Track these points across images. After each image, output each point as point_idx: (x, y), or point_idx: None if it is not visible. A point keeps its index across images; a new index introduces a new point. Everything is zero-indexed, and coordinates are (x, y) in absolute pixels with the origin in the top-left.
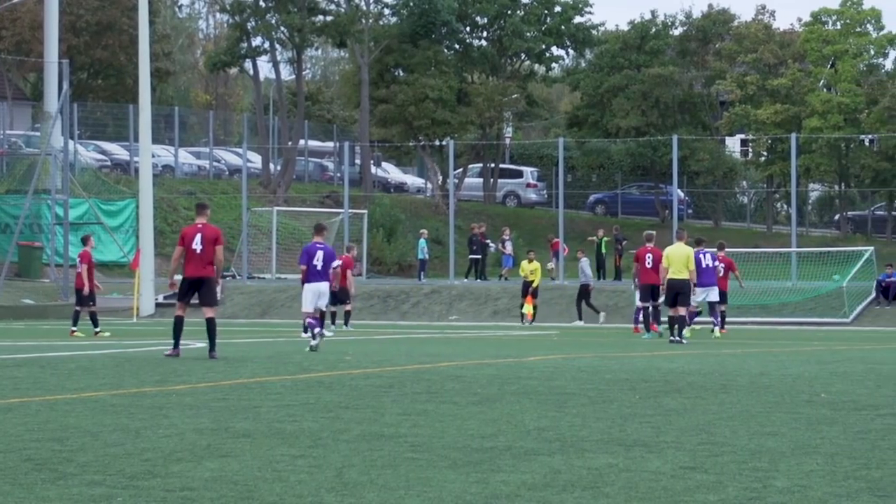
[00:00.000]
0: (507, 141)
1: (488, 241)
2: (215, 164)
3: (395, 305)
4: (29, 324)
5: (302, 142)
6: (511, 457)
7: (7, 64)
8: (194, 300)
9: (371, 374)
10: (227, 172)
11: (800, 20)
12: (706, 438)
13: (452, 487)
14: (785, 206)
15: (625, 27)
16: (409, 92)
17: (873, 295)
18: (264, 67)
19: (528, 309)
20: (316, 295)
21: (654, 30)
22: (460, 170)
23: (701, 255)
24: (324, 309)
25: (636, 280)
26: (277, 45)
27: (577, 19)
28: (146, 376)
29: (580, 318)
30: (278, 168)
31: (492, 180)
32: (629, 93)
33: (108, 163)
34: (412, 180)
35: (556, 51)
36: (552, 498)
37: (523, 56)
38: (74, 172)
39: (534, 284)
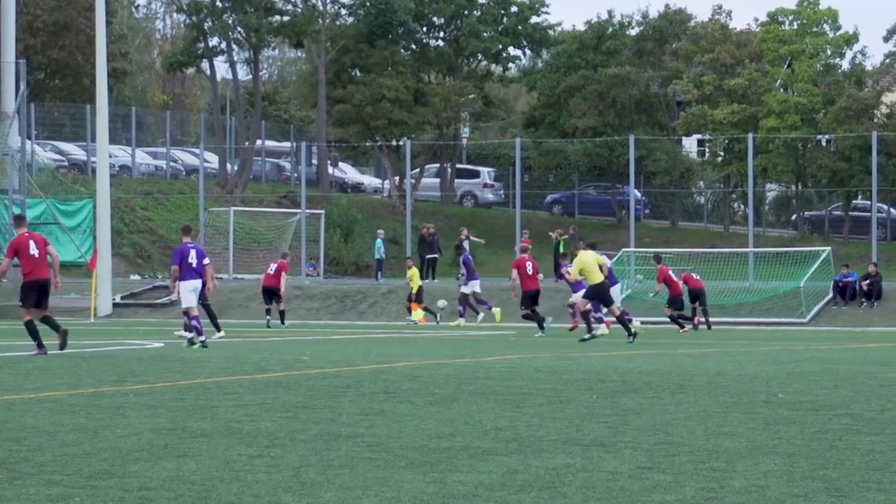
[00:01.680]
0: (465, 141)
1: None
2: (172, 164)
3: (353, 305)
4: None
5: (259, 142)
6: (468, 457)
7: None
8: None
9: (328, 373)
10: (184, 172)
11: (756, 20)
12: (663, 438)
13: (410, 487)
14: (742, 207)
15: (581, 27)
16: (366, 92)
17: (830, 295)
18: (221, 67)
19: (417, 315)
20: (195, 291)
21: (610, 30)
22: (417, 170)
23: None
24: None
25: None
26: (234, 46)
27: (534, 19)
28: (104, 376)
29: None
30: (235, 168)
31: (449, 180)
32: (586, 93)
33: (66, 163)
34: (369, 180)
35: (512, 51)
36: (509, 498)
37: (480, 56)
38: (32, 172)
39: (413, 290)
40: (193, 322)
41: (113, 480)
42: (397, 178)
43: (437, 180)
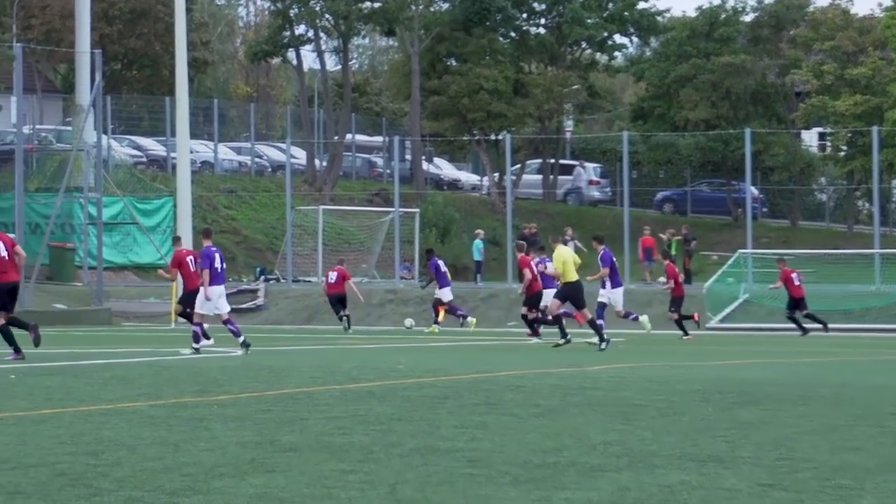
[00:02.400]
0: (568, 135)
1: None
2: (257, 160)
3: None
4: (61, 330)
5: (349, 136)
6: (576, 473)
7: (36, 54)
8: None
9: (425, 383)
10: (269, 169)
11: (880, 5)
12: (785, 453)
13: None
14: (867, 204)
15: (692, 13)
16: (463, 83)
17: None
18: (308, 57)
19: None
20: (220, 298)
21: (723, 16)
22: (518, 166)
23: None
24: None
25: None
26: (322, 34)
27: (642, 5)
28: (185, 386)
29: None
30: (324, 164)
31: (551, 177)
32: (698, 83)
33: (144, 159)
34: (466, 177)
35: (619, 38)
36: None
37: (584, 44)
38: (108, 169)
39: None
40: (196, 328)
41: (196, 497)
42: (496, 174)
43: (539, 177)
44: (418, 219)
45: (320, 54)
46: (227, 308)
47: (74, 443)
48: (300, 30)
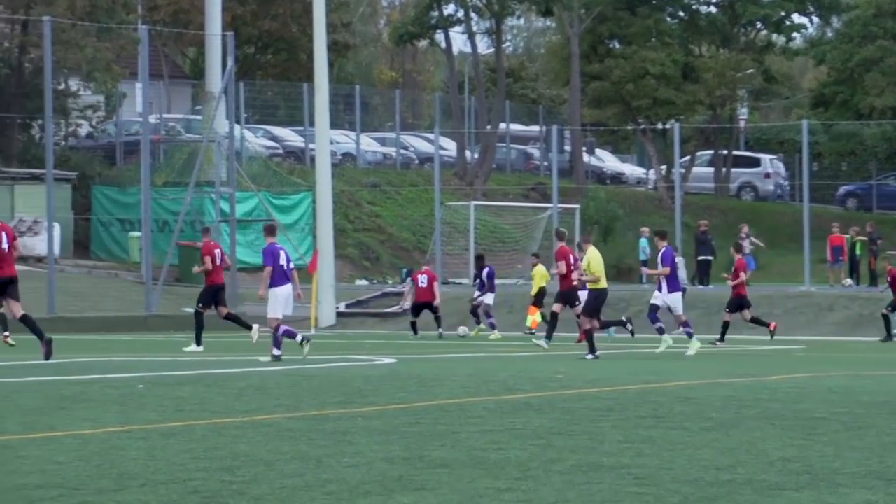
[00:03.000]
0: (742, 124)
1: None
2: (402, 151)
3: (614, 315)
4: (192, 335)
5: (503, 125)
6: (752, 491)
7: (163, 37)
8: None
9: (587, 394)
10: (416, 161)
11: None
12: None
13: None
14: None
15: None
16: (627, 67)
17: None
18: (458, 40)
19: (530, 320)
20: (286, 300)
21: None
22: (687, 157)
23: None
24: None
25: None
26: (473, 14)
27: None
28: (327, 397)
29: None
30: (476, 156)
31: (724, 169)
32: (885, 67)
33: (280, 150)
34: (631, 170)
35: (797, 18)
36: None
37: (759, 24)
38: (241, 162)
39: (533, 292)
40: (280, 333)
41: None
42: (664, 166)
43: (711, 169)
44: (578, 215)
45: (471, 36)
46: (288, 312)
47: (208, 458)
48: (449, 9)
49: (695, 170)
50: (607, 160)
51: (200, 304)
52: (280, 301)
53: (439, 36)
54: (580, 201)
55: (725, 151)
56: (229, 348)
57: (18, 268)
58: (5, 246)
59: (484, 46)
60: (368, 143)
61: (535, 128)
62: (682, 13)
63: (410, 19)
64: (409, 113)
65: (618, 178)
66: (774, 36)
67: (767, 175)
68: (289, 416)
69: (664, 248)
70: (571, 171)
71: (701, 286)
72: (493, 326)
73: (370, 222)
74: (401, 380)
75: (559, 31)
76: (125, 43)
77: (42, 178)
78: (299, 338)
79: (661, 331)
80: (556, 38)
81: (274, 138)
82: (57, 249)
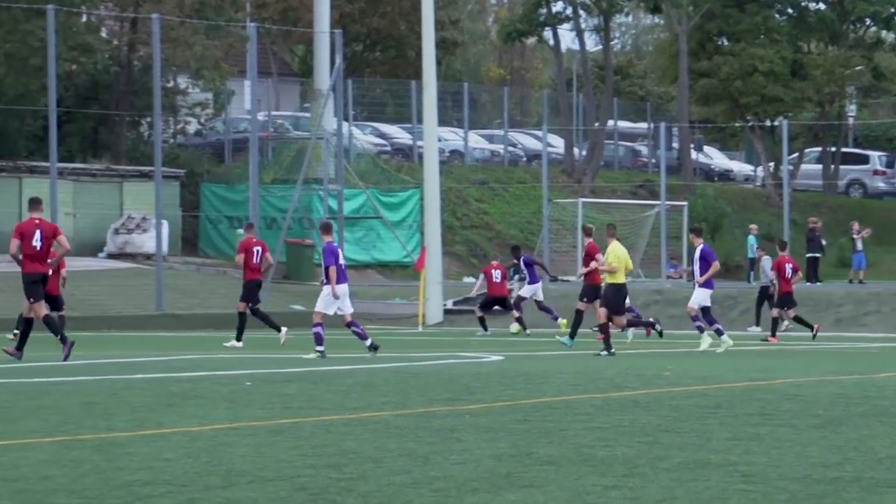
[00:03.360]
0: (851, 121)
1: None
2: (511, 148)
3: (722, 312)
4: (299, 333)
5: (610, 122)
6: (860, 489)
7: (272, 35)
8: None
9: (694, 392)
10: (524, 158)
11: None
12: None
13: None
14: None
15: None
16: (735, 64)
17: None
18: (567, 37)
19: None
20: (342, 296)
21: None
22: (795, 155)
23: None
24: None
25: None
26: (582, 11)
27: None
28: (435, 394)
29: (757, 324)
30: (583, 153)
31: (833, 167)
32: None
33: (388, 148)
34: (739, 167)
35: None
36: None
37: (868, 21)
38: (349, 159)
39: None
40: (318, 329)
41: None
42: (772, 163)
43: (819, 167)
44: (686, 213)
45: (579, 33)
46: (351, 309)
47: (315, 455)
48: (558, 7)
49: (803, 167)
50: (715, 157)
51: (248, 304)
52: (332, 298)
53: (548, 33)
54: (688, 198)
55: (834, 148)
56: (337, 346)
57: (127, 265)
58: (37, 244)
59: (592, 43)
60: (476, 141)
61: (643, 125)
62: (790, 10)
63: (519, 17)
64: (517, 110)
65: (726, 176)
66: (884, 32)
67: (876, 172)
68: (396, 414)
69: (702, 245)
70: (679, 168)
71: (809, 283)
72: (519, 320)
73: (478, 219)
74: (508, 377)
75: (667, 28)
76: (234, 41)
77: (150, 176)
78: (319, 349)
79: (719, 332)
80: (664, 36)
81: (382, 135)
82: (165, 247)
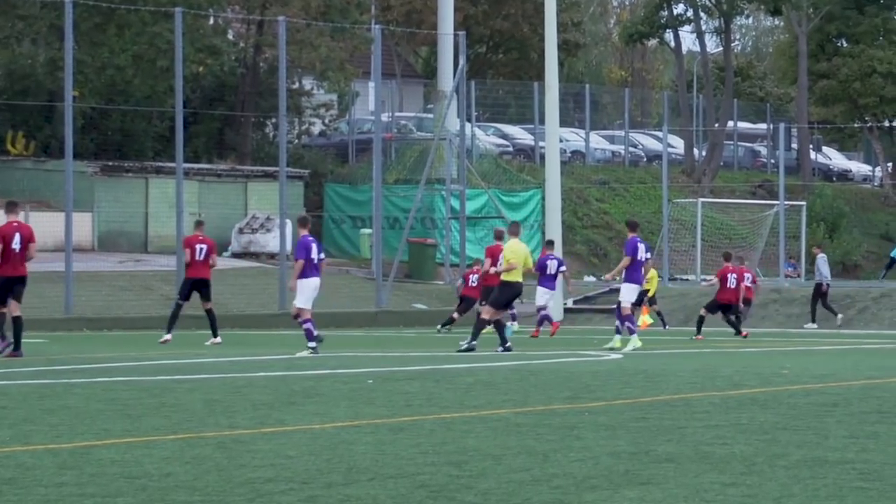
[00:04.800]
0: None
1: None
2: (631, 149)
3: (839, 310)
4: (421, 331)
5: (730, 123)
6: None
7: (396, 37)
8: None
9: (812, 390)
10: (644, 159)
11: None
12: None
13: None
14: None
15: None
16: (854, 65)
17: None
18: (687, 39)
19: (643, 320)
20: (314, 291)
21: None
22: None
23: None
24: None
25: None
26: (702, 13)
27: None
28: (554, 392)
29: (813, 321)
30: (703, 154)
31: None
32: None
33: (510, 148)
34: (857, 167)
35: None
36: None
37: None
38: (472, 159)
39: (649, 293)
40: (307, 325)
41: None
42: (890, 164)
43: None
44: (805, 213)
45: (700, 35)
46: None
47: (436, 452)
48: (679, 9)
49: None
50: (834, 157)
51: (179, 296)
52: (308, 292)
53: (668, 35)
54: (806, 199)
55: None
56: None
57: (251, 264)
58: (16, 247)
59: (713, 45)
60: (597, 141)
61: (763, 126)
62: None
63: (640, 19)
64: (637, 111)
65: (844, 176)
66: None
67: None
68: (516, 411)
69: (630, 238)
70: (798, 168)
71: None
72: (513, 317)
73: (598, 219)
74: (627, 375)
75: (787, 30)
76: (358, 43)
77: (275, 176)
78: (311, 343)
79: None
80: (784, 37)
81: (504, 136)
82: (289, 246)
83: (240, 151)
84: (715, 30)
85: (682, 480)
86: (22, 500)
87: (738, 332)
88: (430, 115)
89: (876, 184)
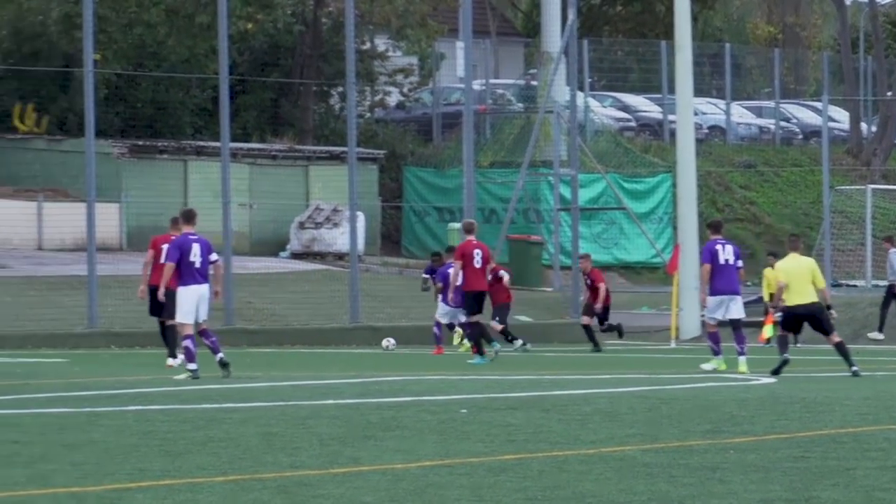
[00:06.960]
0: None
1: None
2: (783, 123)
3: None
4: (536, 351)
5: None
6: None
7: None
8: None
9: None
10: (800, 136)
11: None
12: None
13: None
14: None
15: None
16: None
17: None
18: None
19: (767, 331)
20: (197, 301)
21: None
22: None
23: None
24: (203, 320)
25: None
26: None
27: None
28: (691, 424)
29: (880, 330)
30: (873, 129)
31: None
32: None
33: (633, 123)
34: None
35: None
36: None
37: None
38: (586, 137)
39: (768, 299)
40: (186, 343)
41: None
42: None
43: None
44: None
45: None
46: (204, 316)
47: (546, 498)
48: None
49: None
50: None
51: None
52: (189, 303)
53: None
54: None
55: None
56: (571, 366)
57: (315, 266)
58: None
59: None
60: (741, 115)
61: None
62: None
63: None
64: (790, 77)
65: None
66: None
67: None
68: (644, 448)
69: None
70: None
71: None
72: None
73: (743, 211)
74: (782, 404)
75: None
76: None
77: (343, 158)
78: (190, 365)
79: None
80: None
81: (625, 108)
82: (361, 244)
83: (299, 128)
84: None
85: None
86: None
87: None
88: (534, 83)
89: None
